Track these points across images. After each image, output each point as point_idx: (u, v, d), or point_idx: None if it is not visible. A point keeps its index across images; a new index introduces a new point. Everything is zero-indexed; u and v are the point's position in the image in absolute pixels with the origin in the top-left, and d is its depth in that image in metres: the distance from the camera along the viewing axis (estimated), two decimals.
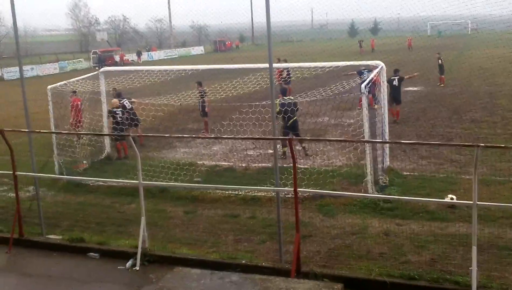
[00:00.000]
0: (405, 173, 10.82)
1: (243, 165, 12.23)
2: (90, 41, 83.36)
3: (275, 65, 10.34)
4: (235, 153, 13.49)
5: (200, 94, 15.72)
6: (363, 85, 9.98)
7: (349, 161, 11.56)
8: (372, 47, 51.52)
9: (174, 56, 66.66)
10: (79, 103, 14.74)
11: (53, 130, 12.68)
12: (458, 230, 7.72)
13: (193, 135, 15.18)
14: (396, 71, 16.80)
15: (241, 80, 12.91)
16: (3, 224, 8.69)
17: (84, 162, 12.73)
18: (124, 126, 13.55)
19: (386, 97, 11.46)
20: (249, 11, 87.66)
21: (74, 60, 56.50)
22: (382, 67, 10.92)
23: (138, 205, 7.55)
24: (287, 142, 7.93)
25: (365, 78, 11.21)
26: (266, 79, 10.80)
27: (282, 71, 20.39)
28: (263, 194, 9.68)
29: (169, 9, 78.77)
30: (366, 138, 9.89)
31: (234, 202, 9.71)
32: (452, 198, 8.46)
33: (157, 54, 66.98)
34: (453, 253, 6.93)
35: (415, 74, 19.15)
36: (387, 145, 11.03)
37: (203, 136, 15.05)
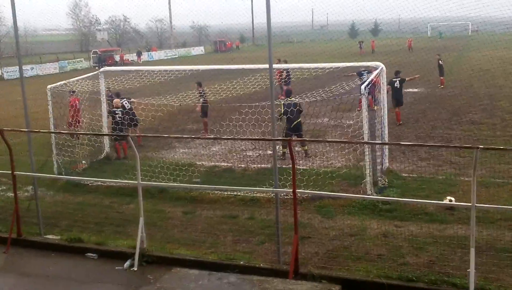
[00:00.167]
0: (404, 174, 10.81)
1: (242, 166, 12.23)
2: (90, 41, 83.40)
3: (275, 65, 10.33)
4: (234, 154, 13.49)
5: (200, 94, 15.73)
6: (363, 87, 9.98)
7: (348, 162, 11.56)
8: (372, 48, 51.48)
9: (174, 56, 66.69)
10: (77, 102, 14.75)
11: (53, 130, 12.68)
12: (456, 232, 7.72)
13: (193, 136, 15.17)
14: (397, 73, 16.78)
15: (241, 81, 12.92)
16: (1, 223, 8.68)
17: (83, 162, 12.73)
18: (123, 126, 13.54)
19: (386, 98, 11.45)
20: (249, 11, 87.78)
21: (74, 60, 56.52)
22: (382, 68, 10.92)
23: (137, 206, 7.54)
24: (288, 143, 7.93)
25: (365, 79, 11.22)
26: (266, 79, 10.81)
27: (282, 71, 20.39)
28: (262, 195, 9.68)
29: (170, 9, 78.91)
30: (366, 139, 9.89)
31: (233, 203, 9.71)
32: (451, 200, 8.45)
33: (157, 54, 67.01)
34: (451, 255, 6.93)
35: (416, 76, 19.14)
36: (387, 146, 11.03)
37: (202, 136, 15.05)
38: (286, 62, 23.63)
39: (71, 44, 77.96)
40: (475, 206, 5.91)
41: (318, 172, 10.65)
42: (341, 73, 15.20)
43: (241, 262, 6.81)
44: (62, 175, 11.56)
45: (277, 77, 20.21)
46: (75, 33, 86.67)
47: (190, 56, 68.83)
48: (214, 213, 9.23)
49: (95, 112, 14.61)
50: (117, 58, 57.58)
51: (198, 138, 14.59)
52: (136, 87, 14.74)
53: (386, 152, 11.11)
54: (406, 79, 17.08)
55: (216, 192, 10.01)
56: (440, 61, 24.50)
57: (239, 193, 9.88)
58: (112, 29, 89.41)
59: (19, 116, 14.85)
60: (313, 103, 13.73)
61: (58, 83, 13.36)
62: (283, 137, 12.05)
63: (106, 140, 13.76)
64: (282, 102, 12.67)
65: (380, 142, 10.68)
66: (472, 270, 5.76)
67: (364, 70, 16.95)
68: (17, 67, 9.27)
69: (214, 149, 14.23)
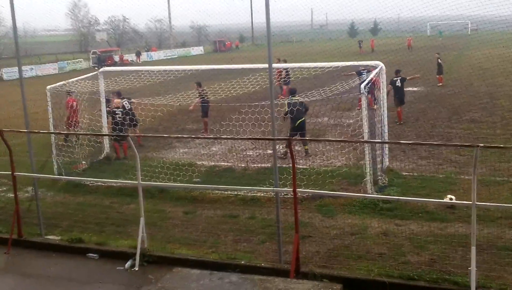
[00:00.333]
0: (404, 173, 10.81)
1: (243, 165, 12.23)
2: (89, 41, 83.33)
3: (274, 65, 10.33)
4: (234, 154, 13.48)
5: (199, 94, 15.72)
6: (362, 86, 9.98)
7: (348, 161, 11.55)
8: (372, 48, 51.50)
9: (173, 57, 66.66)
10: (74, 103, 14.74)
11: (52, 131, 12.68)
12: (457, 230, 7.72)
13: (193, 136, 15.18)
14: (397, 72, 16.78)
15: (240, 81, 12.91)
16: (2, 224, 8.68)
17: (83, 162, 12.72)
18: (123, 126, 13.54)
19: (385, 97, 11.45)
20: (249, 11, 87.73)
21: (73, 60, 56.50)
22: (381, 67, 10.92)
23: (137, 206, 7.54)
24: (287, 142, 7.92)
25: (364, 78, 11.21)
26: (265, 79, 10.80)
27: (281, 71, 20.38)
28: (262, 194, 9.68)
29: (169, 9, 78.91)
30: (366, 138, 9.89)
31: (233, 202, 9.71)
32: (451, 199, 8.45)
33: (157, 55, 66.97)
34: (452, 254, 6.93)
35: (417, 75, 19.17)
36: (387, 145, 11.03)
37: (202, 136, 15.05)
38: (285, 61, 23.61)
39: (71, 45, 77.90)
40: (476, 204, 5.92)
41: (319, 171, 10.65)
42: (341, 72, 15.20)
43: (242, 262, 6.81)
44: (62, 175, 11.56)
45: (277, 77, 20.21)
46: (74, 33, 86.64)
47: (190, 56, 68.81)
48: (214, 213, 9.23)
49: (95, 112, 14.62)
50: (116, 58, 57.57)
51: (198, 137, 14.59)
52: (135, 87, 14.73)
53: (386, 151, 11.11)
54: (407, 78, 17.08)
55: (217, 191, 10.01)
56: (439, 60, 24.50)
57: (239, 193, 9.88)
58: (111, 30, 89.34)
59: (18, 116, 14.82)
60: (313, 102, 13.73)
61: (58, 84, 13.35)
62: (287, 136, 12.07)
63: (106, 140, 13.76)
64: (287, 101, 12.68)
65: (380, 141, 10.67)
66: (473, 268, 5.76)
67: (363, 69, 16.96)
68: (17, 67, 9.26)
69: (214, 148, 14.23)
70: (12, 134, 9.07)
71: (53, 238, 8.09)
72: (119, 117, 13.63)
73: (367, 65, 13.90)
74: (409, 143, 13.16)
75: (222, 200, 9.81)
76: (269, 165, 11.55)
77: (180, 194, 10.18)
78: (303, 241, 7.40)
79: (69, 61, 55.66)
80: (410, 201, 8.71)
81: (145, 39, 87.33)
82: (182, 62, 49.33)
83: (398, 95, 16.41)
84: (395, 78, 16.47)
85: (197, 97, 15.68)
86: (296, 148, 12.98)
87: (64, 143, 13.25)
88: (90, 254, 7.48)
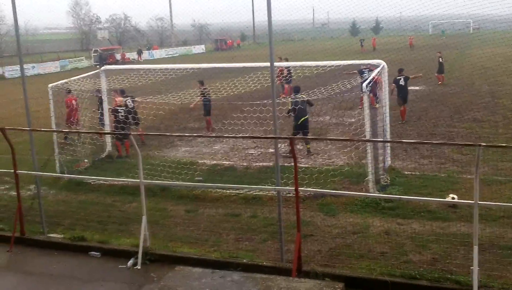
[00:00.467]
0: (406, 172, 10.81)
1: (244, 164, 12.23)
2: (91, 39, 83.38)
3: (276, 64, 10.33)
4: (236, 152, 13.49)
5: (201, 93, 15.72)
6: (364, 84, 9.97)
7: (350, 160, 11.55)
8: (373, 46, 51.42)
9: (175, 55, 66.65)
10: (74, 102, 14.75)
11: (54, 129, 12.69)
12: (459, 229, 7.71)
13: (194, 134, 15.18)
14: (400, 71, 16.74)
15: (242, 79, 12.91)
16: (4, 222, 8.71)
17: (86, 160, 12.74)
18: (125, 124, 13.55)
19: (387, 96, 11.44)
20: (250, 9, 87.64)
21: (75, 59, 56.52)
22: (383, 66, 10.91)
23: (139, 204, 7.55)
24: (289, 141, 7.92)
25: (366, 77, 11.19)
26: (267, 78, 10.80)
27: (283, 70, 20.37)
28: (264, 193, 9.68)
29: (170, 7, 78.81)
30: (368, 137, 9.88)
31: (235, 201, 9.71)
32: (453, 198, 8.44)
33: (158, 53, 66.97)
34: (454, 253, 6.92)
35: (420, 74, 19.15)
36: (389, 144, 11.02)
37: (204, 134, 15.05)
38: (287, 60, 23.59)
39: (72, 43, 77.95)
40: (478, 203, 5.91)
41: (320, 170, 10.64)
42: (342, 71, 15.18)
43: (244, 260, 6.83)
44: (64, 173, 11.57)
45: (278, 75, 20.20)
46: (76, 31, 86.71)
47: (191, 54, 68.79)
48: (216, 212, 9.24)
49: (97, 111, 14.63)
50: (118, 56, 57.57)
51: (200, 136, 14.59)
52: (137, 86, 14.74)
53: (388, 150, 11.10)
54: (410, 77, 17.04)
55: (218, 190, 10.01)
56: (440, 59, 24.44)
57: (241, 192, 9.88)
58: (113, 28, 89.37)
59: (20, 115, 14.86)
60: (315, 101, 13.72)
61: (59, 82, 13.37)
62: (291, 134, 12.08)
63: (108, 139, 13.77)
64: (290, 100, 12.69)
65: (382, 140, 10.67)
66: (475, 267, 5.76)
67: (365, 68, 16.93)
68: (18, 66, 9.29)
69: (216, 147, 14.23)
70: (14, 132, 9.09)
71: (55, 236, 8.11)
72: (121, 116, 13.63)
73: (369, 64, 13.89)
74: (411, 142, 13.15)
75: (224, 199, 9.81)
76: (271, 164, 11.55)
77: (182, 192, 10.19)
78: (305, 240, 7.41)
79: (71, 59, 55.69)
80: (412, 200, 8.71)
81: (147, 38, 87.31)
82: (184, 61, 49.36)
83: (401, 94, 16.38)
84: (399, 77, 16.43)
85: (199, 96, 15.68)
86: (298, 146, 12.99)
87: (65, 142, 13.26)
88: (92, 253, 7.49)
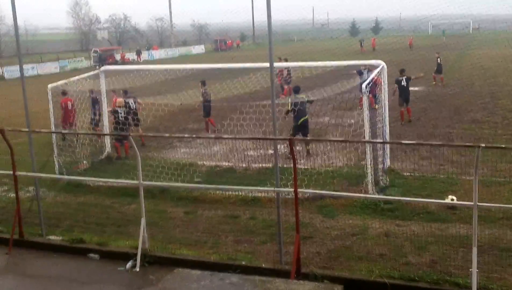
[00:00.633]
0: (405, 173, 10.80)
1: (244, 165, 12.22)
2: (90, 39, 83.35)
3: (276, 64, 10.32)
4: (235, 153, 13.47)
5: (203, 94, 15.70)
6: (363, 85, 9.96)
7: (349, 161, 11.54)
8: (373, 47, 51.42)
9: (174, 55, 66.62)
10: (69, 103, 14.74)
11: (53, 130, 12.68)
12: (458, 231, 7.70)
13: (194, 135, 15.17)
14: (402, 71, 16.74)
15: (241, 80, 12.91)
16: (3, 224, 8.69)
17: (85, 162, 12.73)
18: (124, 125, 13.54)
19: (387, 97, 11.43)
20: (250, 9, 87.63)
21: (74, 59, 56.49)
22: (383, 66, 10.90)
23: (138, 206, 7.54)
24: (288, 142, 7.90)
25: (365, 78, 11.19)
26: (267, 78, 10.79)
27: (282, 70, 20.37)
28: (263, 194, 9.67)
29: (170, 7, 78.73)
30: (367, 138, 9.88)
31: (234, 202, 9.70)
32: (452, 199, 8.44)
33: (158, 53, 66.93)
34: (454, 255, 6.92)
35: (421, 74, 19.19)
36: (388, 145, 11.01)
37: (203, 136, 15.04)
38: (286, 60, 23.59)
39: (72, 43, 77.91)
40: (477, 205, 5.90)
41: (320, 171, 10.63)
42: (341, 71, 15.20)
43: (243, 262, 6.81)
44: (63, 175, 11.56)
45: (278, 76, 20.21)
46: (76, 32, 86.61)
47: (191, 54, 68.76)
48: (215, 213, 9.23)
49: (91, 112, 14.60)
50: (117, 57, 57.55)
51: (199, 137, 14.58)
52: (136, 86, 14.74)
53: (387, 151, 11.09)
54: (412, 77, 17.04)
55: (218, 192, 10.00)
56: (438, 60, 24.45)
57: (240, 193, 9.88)
58: (113, 28, 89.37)
59: (19, 116, 14.81)
60: (314, 102, 13.72)
61: (59, 82, 13.36)
62: (290, 134, 12.06)
63: (107, 140, 13.76)
64: (290, 100, 12.68)
65: (382, 141, 10.66)
66: (474, 269, 5.75)
67: (364, 69, 16.93)
68: (18, 66, 9.25)
69: (215, 148, 14.22)
70: (13, 133, 9.07)
71: (54, 238, 8.09)
72: (121, 116, 13.62)
73: (369, 64, 13.88)
74: (410, 143, 13.13)
75: (223, 201, 9.80)
76: (270, 165, 11.53)
77: (181, 194, 10.18)
78: (304, 241, 7.40)
79: (70, 59, 55.64)
80: (411, 201, 8.69)
81: (146, 38, 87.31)
82: (183, 61, 49.36)
83: (403, 94, 16.38)
84: (401, 78, 16.43)
85: (202, 97, 15.67)
86: (298, 148, 12.98)
87: (63, 143, 13.24)
88: (91, 255, 7.48)
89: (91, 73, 14.22)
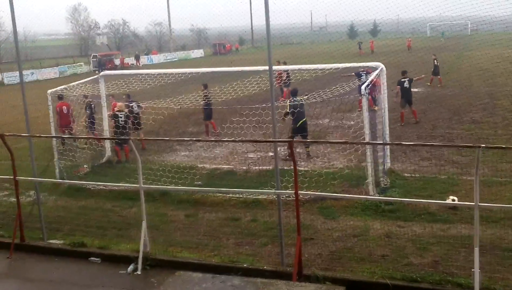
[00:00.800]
0: (406, 174, 10.80)
1: (244, 168, 12.22)
2: (90, 45, 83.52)
3: (275, 67, 10.35)
4: (235, 156, 13.47)
5: (204, 97, 15.70)
6: (363, 87, 9.98)
7: (350, 163, 11.53)
8: (371, 49, 51.51)
9: (173, 60, 66.74)
10: (64, 107, 14.76)
11: (53, 135, 12.69)
12: (460, 231, 7.70)
13: (194, 138, 15.17)
14: (404, 73, 16.78)
15: (241, 83, 12.92)
16: (4, 229, 8.69)
17: (85, 166, 12.73)
18: (124, 129, 13.55)
19: (386, 98, 11.45)
20: (248, 13, 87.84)
21: (74, 64, 56.58)
22: (382, 68, 10.93)
23: (139, 209, 7.54)
24: (288, 144, 7.91)
25: (364, 80, 11.21)
26: (266, 81, 10.81)
27: (281, 73, 20.39)
28: (264, 197, 9.67)
29: (169, 12, 78.98)
30: (367, 139, 9.89)
31: (235, 205, 9.70)
32: (453, 200, 8.43)
33: (157, 58, 67.02)
34: (455, 255, 6.91)
35: (422, 76, 19.26)
36: (388, 146, 11.02)
37: (203, 139, 15.05)
38: (285, 63, 23.63)
39: (71, 49, 78.01)
40: (478, 205, 5.90)
41: (320, 173, 10.62)
42: (341, 74, 15.21)
43: (245, 265, 6.80)
44: (64, 179, 11.56)
45: (277, 79, 20.23)
46: (75, 37, 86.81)
47: (190, 59, 68.86)
48: (216, 216, 9.22)
49: (96, 116, 14.63)
50: (117, 62, 57.64)
51: (199, 140, 14.59)
52: (136, 91, 14.75)
53: (388, 152, 11.10)
54: (414, 79, 17.09)
55: (218, 194, 10.00)
56: (435, 61, 24.48)
57: (241, 196, 9.87)
58: (112, 33, 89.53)
59: (19, 121, 14.83)
60: (314, 104, 13.74)
61: (59, 88, 13.39)
62: (289, 136, 12.06)
63: (107, 144, 13.77)
64: (288, 103, 12.68)
65: (382, 142, 10.66)
66: (476, 269, 5.74)
67: (362, 71, 16.96)
68: (17, 72, 9.28)
69: (216, 151, 14.22)
70: (13, 138, 9.07)
71: (55, 242, 8.09)
72: (121, 121, 13.63)
73: (367, 67, 13.91)
74: (411, 144, 13.15)
75: (223, 203, 9.80)
76: (270, 168, 11.54)
77: (181, 197, 10.18)
78: (305, 243, 7.39)
79: (70, 65, 55.75)
80: (412, 202, 8.69)
81: (145, 43, 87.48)
82: (182, 65, 49.37)
83: (405, 96, 16.41)
84: (403, 79, 16.47)
85: (202, 100, 15.68)
86: (298, 150, 12.98)
87: (63, 147, 13.25)
88: (92, 258, 7.47)
89: (91, 78, 14.26)
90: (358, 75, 16.99)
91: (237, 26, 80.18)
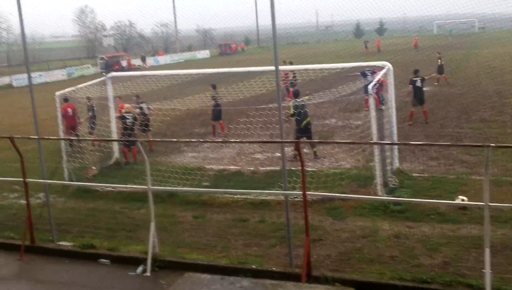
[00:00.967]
0: (414, 174, 10.74)
1: (251, 168, 12.22)
2: (97, 46, 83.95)
3: (281, 67, 10.33)
4: (243, 157, 13.48)
5: (213, 97, 15.74)
6: (370, 86, 9.94)
7: (357, 163, 11.50)
8: (378, 48, 51.28)
9: (180, 61, 66.91)
10: (69, 109, 14.85)
11: (62, 137, 12.78)
12: (470, 232, 7.64)
13: (201, 140, 15.21)
14: (416, 72, 16.67)
15: (247, 83, 12.94)
16: (14, 231, 8.76)
17: (94, 168, 12.81)
18: (132, 131, 13.61)
19: (393, 98, 11.39)
20: (254, 14, 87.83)
21: (81, 66, 56.94)
22: (389, 68, 10.87)
23: (148, 210, 7.57)
24: (295, 145, 7.90)
25: (370, 79, 11.16)
26: (272, 81, 10.80)
27: (288, 73, 20.38)
28: (272, 198, 9.66)
29: (175, 13, 79.24)
30: (375, 139, 9.84)
31: (243, 206, 9.70)
32: (463, 200, 8.37)
33: (163, 59, 67.20)
34: (466, 256, 6.86)
35: (433, 74, 19.13)
36: (396, 146, 10.96)
37: (211, 140, 15.06)
38: (291, 63, 23.60)
39: (78, 51, 78.50)
40: (489, 205, 5.85)
41: (328, 173, 10.60)
42: (346, 73, 15.16)
43: (253, 266, 6.80)
44: (72, 181, 11.64)
45: (283, 79, 20.22)
46: (82, 39, 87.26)
47: (196, 59, 69.01)
48: (224, 217, 9.23)
49: (103, 118, 14.72)
50: (124, 63, 57.91)
51: (207, 141, 14.61)
52: (143, 92, 14.82)
53: (396, 152, 11.04)
54: (426, 77, 16.97)
55: (226, 195, 10.01)
56: (439, 60, 24.28)
57: (249, 196, 9.87)
58: (118, 35, 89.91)
59: (28, 123, 14.98)
60: (321, 104, 13.72)
61: (67, 90, 13.48)
62: (294, 138, 12.04)
63: (115, 146, 13.84)
64: (291, 104, 12.67)
65: (390, 142, 10.61)
66: (487, 270, 5.69)
67: (368, 70, 16.89)
68: (26, 74, 9.35)
69: (223, 152, 14.24)
70: (22, 141, 9.17)
71: (65, 244, 8.14)
72: (128, 122, 13.69)
73: (373, 66, 13.84)
74: (419, 144, 13.07)
75: (231, 204, 9.81)
76: (278, 168, 11.53)
77: (189, 198, 10.20)
78: (314, 244, 7.37)
79: (77, 67, 56.09)
80: (421, 202, 8.63)
81: (152, 44, 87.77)
82: (189, 66, 49.52)
83: (418, 95, 16.30)
84: (415, 78, 16.35)
85: (212, 100, 15.72)
86: (305, 150, 12.96)
87: (72, 149, 13.34)
88: (102, 260, 7.51)
89: (98, 80, 14.34)
90: (364, 75, 16.94)
91: (243, 26, 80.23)
